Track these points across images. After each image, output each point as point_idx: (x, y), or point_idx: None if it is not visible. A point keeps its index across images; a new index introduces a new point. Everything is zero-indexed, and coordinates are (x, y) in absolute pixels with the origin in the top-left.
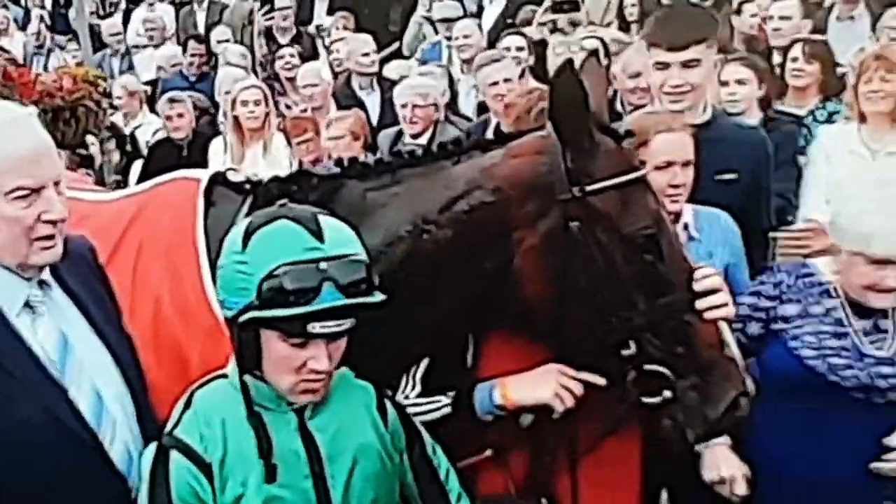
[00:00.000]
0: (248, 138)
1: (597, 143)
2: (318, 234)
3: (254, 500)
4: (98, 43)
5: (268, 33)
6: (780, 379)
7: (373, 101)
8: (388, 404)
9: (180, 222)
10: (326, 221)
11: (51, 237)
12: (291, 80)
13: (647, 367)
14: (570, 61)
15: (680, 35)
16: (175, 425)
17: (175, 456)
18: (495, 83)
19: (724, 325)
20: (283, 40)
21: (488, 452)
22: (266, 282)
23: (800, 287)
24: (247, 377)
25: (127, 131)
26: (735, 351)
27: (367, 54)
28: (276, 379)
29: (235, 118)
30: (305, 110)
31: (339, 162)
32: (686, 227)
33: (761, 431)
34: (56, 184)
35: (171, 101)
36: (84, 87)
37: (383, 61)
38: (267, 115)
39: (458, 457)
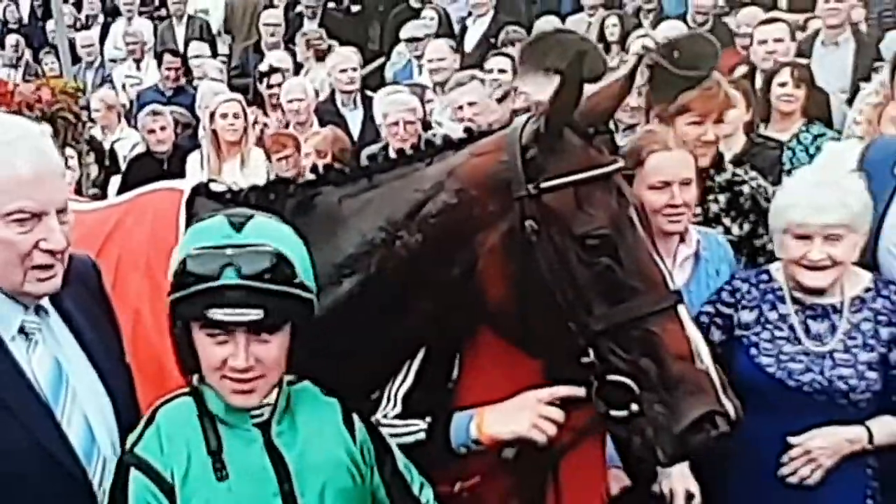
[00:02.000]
0: (226, 152)
1: (559, 140)
2: (237, 226)
3: None
4: (74, 56)
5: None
6: (745, 385)
7: (355, 117)
8: (356, 419)
9: (161, 234)
10: (256, 218)
11: (49, 267)
12: (273, 98)
13: (612, 377)
14: (581, 53)
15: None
16: (136, 442)
17: (134, 474)
18: (460, 107)
19: (697, 338)
20: (270, 56)
21: (475, 479)
22: (176, 268)
23: (755, 294)
24: (204, 387)
25: (106, 145)
26: (709, 364)
27: (344, 70)
28: (213, 381)
29: (214, 132)
30: (287, 125)
31: (314, 169)
32: (698, 242)
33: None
34: (60, 212)
35: (153, 113)
36: (63, 99)
37: (364, 78)
38: (245, 129)
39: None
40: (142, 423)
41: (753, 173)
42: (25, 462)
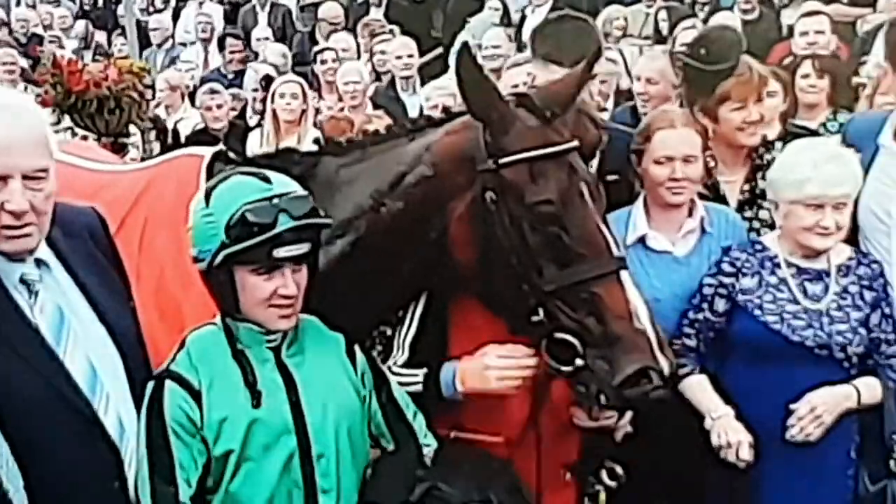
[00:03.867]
0: (284, 131)
1: (514, 120)
2: (266, 179)
3: (239, 422)
4: (144, 39)
5: (310, 35)
6: (750, 345)
7: (413, 102)
8: (357, 350)
9: (184, 195)
10: (272, 173)
11: (15, 227)
12: (330, 82)
13: (558, 335)
14: (465, 45)
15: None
16: (170, 363)
17: (169, 384)
18: (515, 86)
19: (637, 300)
20: (323, 41)
21: (499, 438)
22: (232, 222)
23: (754, 262)
24: (229, 320)
25: (169, 124)
26: (647, 325)
27: (400, 57)
28: (254, 313)
29: (273, 111)
30: (342, 110)
31: (316, 140)
32: (702, 221)
33: (741, 396)
34: (31, 178)
35: (211, 91)
36: (129, 79)
37: (427, 65)
38: (304, 111)
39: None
40: (174, 349)
41: None
42: (34, 398)
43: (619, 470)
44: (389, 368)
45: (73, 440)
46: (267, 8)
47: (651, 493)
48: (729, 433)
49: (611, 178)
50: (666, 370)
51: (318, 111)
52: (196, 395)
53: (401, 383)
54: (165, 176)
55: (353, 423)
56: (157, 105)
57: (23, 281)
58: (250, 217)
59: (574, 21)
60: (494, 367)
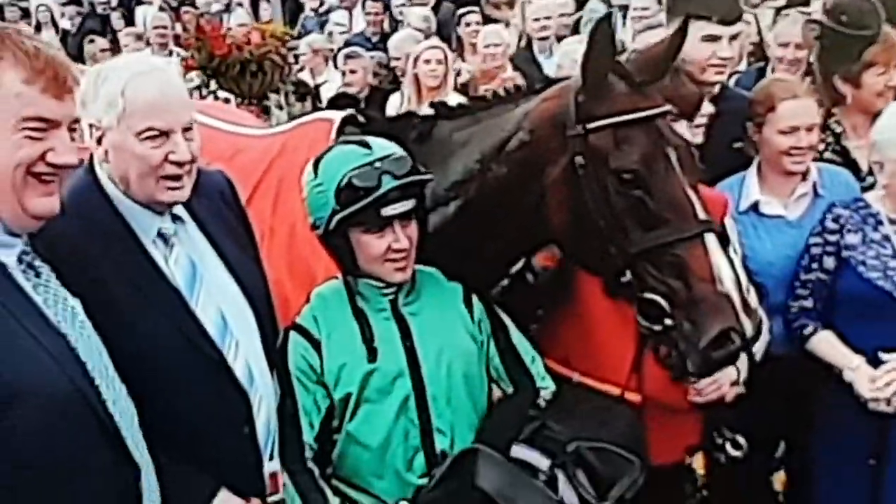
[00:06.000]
0: (425, 96)
1: (607, 87)
2: (366, 145)
3: (356, 370)
4: (297, 4)
5: None
6: (855, 302)
7: (550, 64)
8: (475, 299)
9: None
10: (371, 138)
11: (177, 177)
12: (473, 45)
13: (646, 295)
14: (608, 16)
15: (733, 9)
16: (296, 316)
17: (293, 336)
18: None
19: (722, 263)
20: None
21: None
22: (340, 188)
23: (857, 218)
24: (349, 277)
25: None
26: (731, 288)
27: (538, 19)
28: (371, 268)
29: (415, 75)
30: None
31: (432, 104)
32: (814, 184)
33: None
34: (186, 130)
35: (348, 56)
36: (271, 43)
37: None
38: (445, 75)
39: None
40: (303, 305)
41: None
42: (168, 346)
43: (741, 440)
44: None
45: (203, 386)
46: None
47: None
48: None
49: (737, 145)
50: (749, 332)
51: (458, 73)
52: (316, 345)
53: None
54: (298, 140)
55: (469, 367)
56: (302, 69)
57: (160, 234)
58: (356, 182)
59: None
60: None
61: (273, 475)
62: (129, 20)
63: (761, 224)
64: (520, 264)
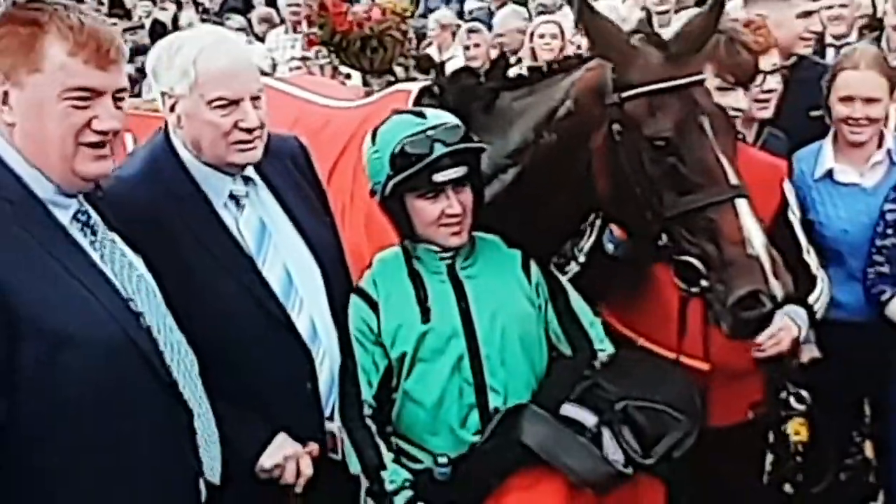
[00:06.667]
0: None
1: (637, 57)
2: (421, 115)
3: (411, 330)
4: None
5: None
6: None
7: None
8: (533, 264)
9: None
10: (428, 109)
11: (247, 141)
12: None
13: (682, 258)
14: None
15: None
16: (359, 280)
17: (353, 299)
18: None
19: (753, 227)
20: None
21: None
22: (394, 155)
23: None
24: (408, 242)
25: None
26: (761, 251)
27: None
28: (427, 233)
29: (532, 49)
30: None
31: (493, 75)
32: (889, 152)
33: None
34: (254, 98)
35: (470, 31)
36: (391, 19)
37: None
38: (561, 48)
39: None
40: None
41: None
42: (234, 304)
43: (804, 394)
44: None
45: (267, 343)
46: None
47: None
48: None
49: (814, 113)
50: (779, 295)
51: (579, 47)
52: (374, 306)
53: None
54: (379, 110)
55: (526, 330)
56: (429, 44)
57: (232, 196)
58: (409, 148)
59: None
60: None
61: (332, 435)
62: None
63: (836, 191)
64: (589, 240)
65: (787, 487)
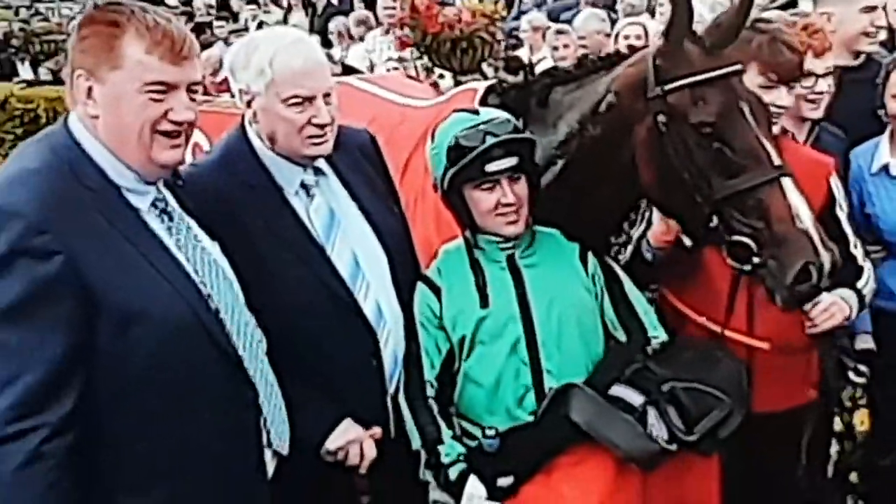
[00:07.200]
0: None
1: (682, 52)
2: (475, 112)
3: (470, 315)
4: None
5: None
6: None
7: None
8: (590, 255)
9: None
10: (482, 107)
11: (319, 136)
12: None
13: (734, 238)
14: None
15: None
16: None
17: (419, 286)
18: None
19: (799, 203)
20: None
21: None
22: (450, 148)
23: None
24: (469, 233)
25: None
26: (809, 224)
27: None
28: (485, 223)
29: (617, 51)
30: None
31: (547, 71)
32: None
33: None
34: (326, 95)
35: (558, 32)
36: (480, 21)
37: None
38: (643, 47)
39: None
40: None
41: None
42: (303, 289)
43: (863, 368)
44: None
45: (334, 325)
46: None
47: None
48: None
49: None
50: (827, 265)
51: None
52: (437, 292)
53: None
54: (449, 109)
55: (582, 317)
56: (521, 45)
57: (303, 185)
58: (462, 142)
59: None
60: None
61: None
62: (370, 3)
63: (892, 186)
64: (640, 228)
65: (853, 477)
